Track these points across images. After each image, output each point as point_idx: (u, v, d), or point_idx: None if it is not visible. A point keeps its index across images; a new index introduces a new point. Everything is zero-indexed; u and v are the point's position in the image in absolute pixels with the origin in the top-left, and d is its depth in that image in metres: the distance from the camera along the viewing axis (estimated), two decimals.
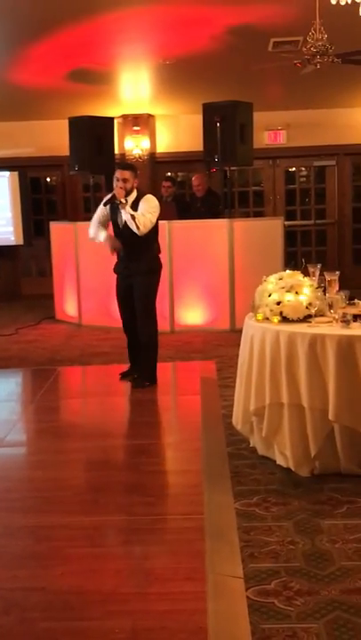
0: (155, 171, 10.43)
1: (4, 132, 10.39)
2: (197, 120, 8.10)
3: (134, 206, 5.12)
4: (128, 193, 5.12)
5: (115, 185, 5.12)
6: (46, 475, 3.75)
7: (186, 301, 7.74)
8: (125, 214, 5.07)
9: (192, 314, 7.77)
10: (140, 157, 10.18)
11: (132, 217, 5.04)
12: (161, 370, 5.58)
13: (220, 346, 6.89)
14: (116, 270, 5.40)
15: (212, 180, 8.75)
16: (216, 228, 7.72)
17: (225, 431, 4.31)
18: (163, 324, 7.69)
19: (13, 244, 10.27)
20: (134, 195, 5.17)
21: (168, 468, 3.92)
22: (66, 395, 5.74)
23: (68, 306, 8.62)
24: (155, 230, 5.25)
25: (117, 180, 5.09)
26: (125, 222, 5.15)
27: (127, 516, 3.20)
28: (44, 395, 5.37)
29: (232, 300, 7.66)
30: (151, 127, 10.33)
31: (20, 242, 10.21)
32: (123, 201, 5.06)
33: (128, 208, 5.07)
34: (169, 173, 10.65)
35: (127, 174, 5.12)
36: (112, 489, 3.54)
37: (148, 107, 9.95)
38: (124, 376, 5.53)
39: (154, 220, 5.15)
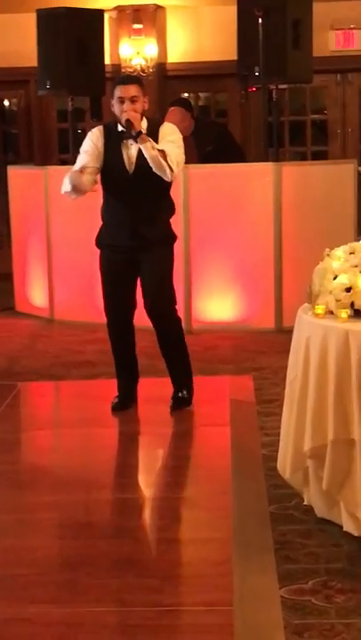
0: (164, 90, 10.45)
1: None
2: (229, 14, 8.09)
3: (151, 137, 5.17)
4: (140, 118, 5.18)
5: (118, 108, 5.12)
6: (0, 544, 3.75)
7: (209, 287, 7.74)
8: (147, 151, 5.08)
9: (218, 306, 7.77)
10: (142, 70, 10.19)
11: (163, 153, 5.07)
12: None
13: (259, 353, 6.90)
14: (106, 242, 5.40)
15: (248, 105, 8.72)
16: (255, 176, 7.70)
17: (266, 481, 4.30)
18: None
19: None
20: (144, 123, 5.21)
21: (181, 534, 3.93)
22: (29, 424, 5.74)
23: (34, 292, 8.65)
24: (170, 182, 5.31)
25: (121, 102, 5.12)
26: (137, 165, 5.18)
27: (118, 607, 3.21)
28: None
29: (278, 286, 7.66)
30: (160, 25, 10.34)
31: None
32: (142, 131, 5.09)
33: (151, 141, 5.09)
34: (185, 94, 10.66)
35: (135, 90, 5.15)
36: (96, 565, 3.54)
37: None
38: (118, 407, 5.51)
39: (184, 158, 5.29)
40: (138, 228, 5.29)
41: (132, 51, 10.26)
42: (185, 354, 5.55)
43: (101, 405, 5.58)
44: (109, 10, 9.83)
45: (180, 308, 7.60)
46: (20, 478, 4.58)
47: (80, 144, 5.41)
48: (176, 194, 7.55)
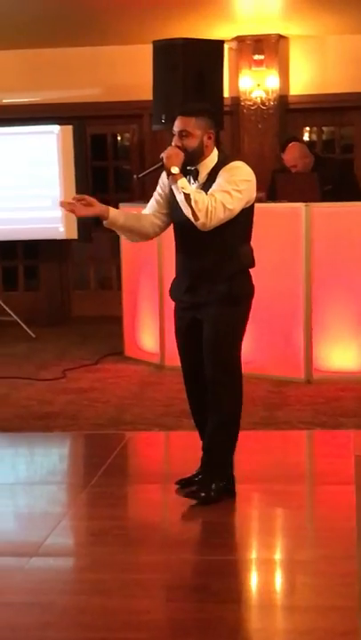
0: (285, 123, 10.49)
1: (53, 63, 10.68)
2: (356, 43, 8.13)
3: (210, 180, 4.84)
4: (193, 156, 4.81)
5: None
6: (106, 604, 3.77)
7: (331, 333, 7.68)
8: (178, 193, 4.76)
9: (341, 353, 7.71)
10: (263, 103, 10.26)
11: (187, 197, 4.71)
12: (291, 442, 5.54)
13: None
14: (173, 295, 5.17)
15: None
16: None
17: None
18: (293, 370, 7.70)
19: (62, 237, 10.51)
20: (212, 160, 4.86)
21: (300, 601, 3.87)
22: (138, 477, 5.76)
23: (145, 336, 8.72)
24: (244, 226, 4.93)
25: (174, 135, 4.84)
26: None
27: None
28: (104, 475, 5.43)
29: None
30: (282, 55, 10.40)
31: (74, 235, 10.41)
32: (172, 171, 4.75)
33: (182, 181, 4.73)
34: (307, 128, 10.67)
35: (189, 123, 4.82)
36: (208, 632, 3.52)
37: (277, 23, 10.01)
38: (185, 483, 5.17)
39: (236, 207, 4.72)
40: (194, 282, 4.96)
41: (252, 83, 10.32)
42: (226, 437, 5.03)
43: None
44: (229, 40, 9.94)
45: (298, 357, 7.64)
46: (127, 535, 4.60)
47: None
48: (297, 233, 7.61)
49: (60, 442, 6.36)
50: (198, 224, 4.70)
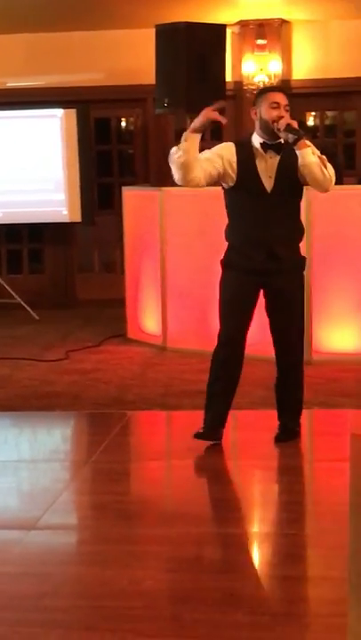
0: (289, 107, 10.46)
1: (56, 48, 10.72)
2: (359, 28, 8.11)
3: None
4: None
5: (271, 114, 5.17)
6: (104, 575, 3.84)
7: (332, 315, 7.73)
8: (307, 157, 5.13)
9: (341, 335, 7.75)
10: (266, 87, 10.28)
11: (323, 161, 5.17)
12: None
13: None
14: (236, 263, 5.41)
15: None
16: None
17: None
18: None
19: (66, 221, 10.59)
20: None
21: (293, 571, 3.93)
22: (138, 454, 5.85)
23: (147, 319, 8.79)
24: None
25: (275, 107, 5.20)
26: (276, 182, 5.25)
27: None
28: (104, 452, 5.50)
29: None
30: (285, 40, 10.42)
31: (77, 218, 10.52)
32: (303, 136, 5.17)
33: (312, 146, 5.18)
34: (313, 113, 10.70)
35: (286, 100, 5.28)
36: (204, 601, 3.59)
37: (280, 7, 10.03)
38: (204, 436, 5.46)
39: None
40: (274, 249, 5.32)
41: (255, 67, 10.34)
42: (303, 384, 5.62)
43: None
44: (232, 24, 9.93)
45: None
46: (127, 509, 4.67)
47: None
48: None
49: (62, 421, 6.43)
50: (327, 183, 5.23)
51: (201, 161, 5.20)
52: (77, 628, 3.43)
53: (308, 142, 5.17)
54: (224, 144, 5.41)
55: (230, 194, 5.38)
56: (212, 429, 5.44)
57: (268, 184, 5.28)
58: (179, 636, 3.34)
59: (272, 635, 3.30)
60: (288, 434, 5.52)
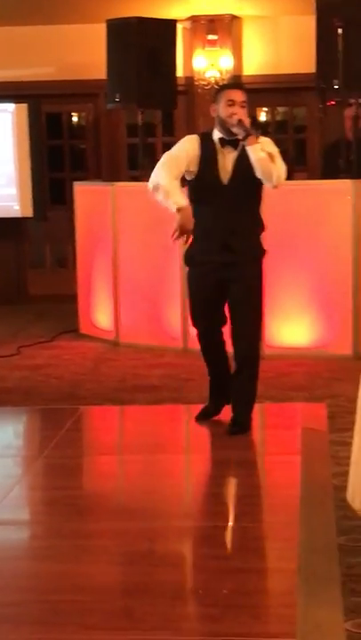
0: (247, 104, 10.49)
1: (8, 41, 10.64)
2: (308, 24, 8.14)
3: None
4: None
5: (227, 111, 5.30)
6: (57, 569, 3.83)
7: (283, 311, 7.76)
8: (254, 153, 5.25)
9: (292, 330, 7.79)
10: (216, 83, 10.27)
11: (271, 157, 5.27)
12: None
13: (335, 380, 6.90)
14: (194, 258, 5.53)
15: (327, 119, 8.78)
16: (333, 195, 7.74)
17: (336, 512, 4.31)
18: None
19: (17, 216, 10.55)
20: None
21: (244, 564, 3.93)
22: (90, 449, 5.85)
23: (99, 314, 8.78)
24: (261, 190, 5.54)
25: (231, 104, 5.32)
26: (233, 175, 5.36)
27: (176, 636, 3.24)
28: (56, 448, 5.48)
29: (356, 310, 7.63)
30: (235, 36, 10.45)
31: (29, 214, 10.49)
32: (253, 133, 5.28)
33: (261, 143, 5.28)
34: (265, 109, 10.73)
35: (244, 96, 5.41)
36: (154, 593, 3.59)
37: (231, 3, 10.07)
38: (203, 416, 5.70)
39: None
40: (228, 241, 5.42)
41: (206, 62, 10.35)
42: (257, 378, 5.69)
43: (165, 431, 5.65)
44: (183, 20, 9.94)
45: None
46: (79, 504, 4.66)
47: (150, 160, 5.58)
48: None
49: (14, 416, 6.40)
50: (274, 178, 5.30)
51: (173, 178, 5.36)
52: (28, 622, 3.41)
53: (263, 139, 5.32)
54: (188, 137, 5.56)
55: (191, 186, 5.51)
56: (210, 408, 5.74)
57: (225, 177, 5.39)
58: (130, 628, 3.33)
59: (222, 626, 3.31)
60: (239, 427, 5.54)
